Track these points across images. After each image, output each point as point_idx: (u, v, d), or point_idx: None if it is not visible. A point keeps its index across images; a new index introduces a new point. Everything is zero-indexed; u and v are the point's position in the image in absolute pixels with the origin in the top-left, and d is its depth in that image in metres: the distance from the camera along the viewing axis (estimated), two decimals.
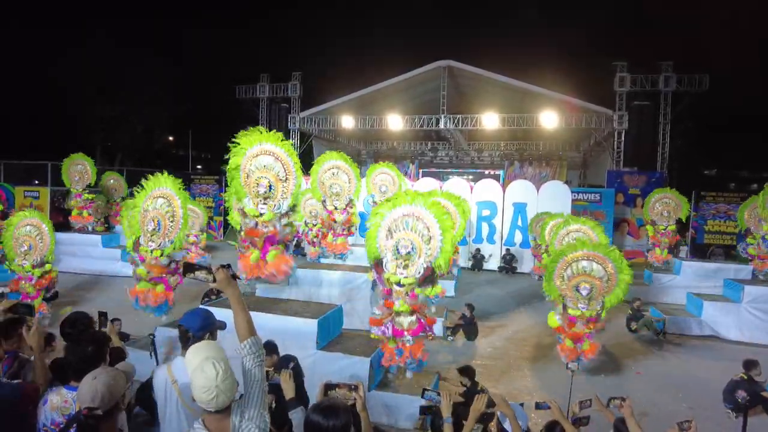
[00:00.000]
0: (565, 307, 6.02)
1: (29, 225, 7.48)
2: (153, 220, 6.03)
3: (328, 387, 2.52)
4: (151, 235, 6.06)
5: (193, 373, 1.87)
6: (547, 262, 6.46)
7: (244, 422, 1.90)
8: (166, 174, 6.27)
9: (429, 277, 4.94)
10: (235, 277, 2.21)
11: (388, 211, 4.96)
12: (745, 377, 5.13)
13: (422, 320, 4.96)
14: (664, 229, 10.65)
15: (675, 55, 23.28)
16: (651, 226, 10.95)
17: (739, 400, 4.90)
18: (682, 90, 17.63)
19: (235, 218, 5.77)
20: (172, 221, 6.11)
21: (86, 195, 12.40)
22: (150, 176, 6.31)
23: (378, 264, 5.05)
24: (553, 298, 6.26)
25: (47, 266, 7.54)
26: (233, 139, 5.37)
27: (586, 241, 6.58)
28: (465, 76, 18.50)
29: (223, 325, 2.78)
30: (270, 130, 5.67)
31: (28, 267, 7.33)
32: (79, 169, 12.37)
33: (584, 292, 5.83)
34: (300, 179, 5.60)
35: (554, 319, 6.13)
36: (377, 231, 4.98)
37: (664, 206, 10.69)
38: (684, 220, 11.02)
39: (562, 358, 6.10)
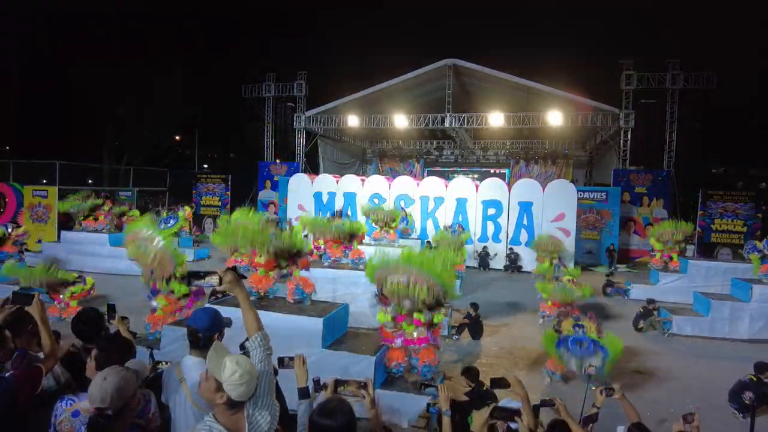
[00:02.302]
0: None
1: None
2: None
3: (339, 383, 2.53)
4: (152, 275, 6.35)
5: (225, 368, 1.93)
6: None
7: (257, 410, 1.99)
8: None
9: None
10: (242, 277, 2.30)
11: (383, 278, 4.97)
12: (755, 379, 5.10)
13: (429, 332, 5.02)
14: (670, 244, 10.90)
15: (682, 52, 23.16)
16: (657, 242, 10.97)
17: (746, 401, 4.87)
18: (690, 88, 17.49)
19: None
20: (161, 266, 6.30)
21: (105, 207, 12.67)
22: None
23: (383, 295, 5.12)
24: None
25: (89, 281, 8.44)
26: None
27: None
28: (470, 74, 18.45)
29: (229, 322, 2.81)
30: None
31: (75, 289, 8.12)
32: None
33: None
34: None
35: (549, 336, 6.19)
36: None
37: (669, 236, 10.88)
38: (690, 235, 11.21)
39: (544, 370, 6.16)
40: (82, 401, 2.28)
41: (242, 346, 2.60)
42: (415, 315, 4.97)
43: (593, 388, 4.83)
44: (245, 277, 2.46)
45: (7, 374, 2.51)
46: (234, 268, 2.35)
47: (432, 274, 4.79)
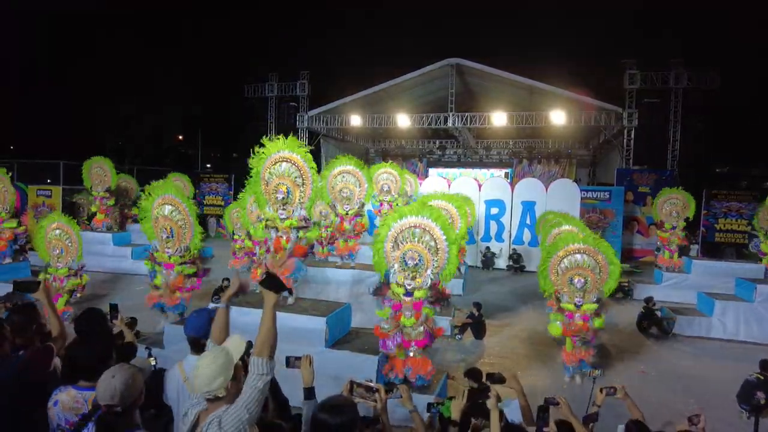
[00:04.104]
0: (558, 300, 6.17)
1: (58, 229, 7.80)
2: (165, 229, 6.24)
3: (353, 384, 2.53)
4: (166, 243, 6.29)
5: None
6: (541, 258, 6.55)
7: (217, 419, 1.86)
8: (169, 179, 6.48)
9: (438, 299, 5.01)
10: (278, 288, 2.19)
11: (394, 222, 4.98)
12: (761, 377, 5.06)
13: (429, 332, 4.98)
14: (672, 228, 10.58)
15: (686, 52, 23.07)
16: (660, 231, 10.87)
17: (761, 401, 4.83)
18: (693, 87, 17.41)
19: (258, 231, 6.03)
20: (183, 228, 6.31)
21: (110, 202, 12.60)
22: (159, 181, 6.53)
23: (385, 283, 5.10)
24: (547, 293, 6.40)
25: (84, 277, 8.08)
26: (256, 148, 5.59)
27: (576, 234, 6.62)
28: (473, 74, 18.41)
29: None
30: (278, 129, 5.84)
31: (63, 271, 7.72)
32: (98, 172, 12.54)
33: (578, 285, 5.96)
34: (316, 184, 5.75)
35: (556, 327, 6.18)
36: (384, 242, 5.01)
37: (672, 206, 10.61)
38: (692, 219, 10.93)
39: (565, 367, 6.16)
40: (63, 392, 2.32)
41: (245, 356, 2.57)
42: (416, 294, 4.90)
43: (592, 372, 4.86)
44: (285, 288, 2.28)
45: (19, 355, 2.60)
46: (269, 274, 2.26)
47: (444, 229, 4.89)
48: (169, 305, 6.36)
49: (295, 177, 5.63)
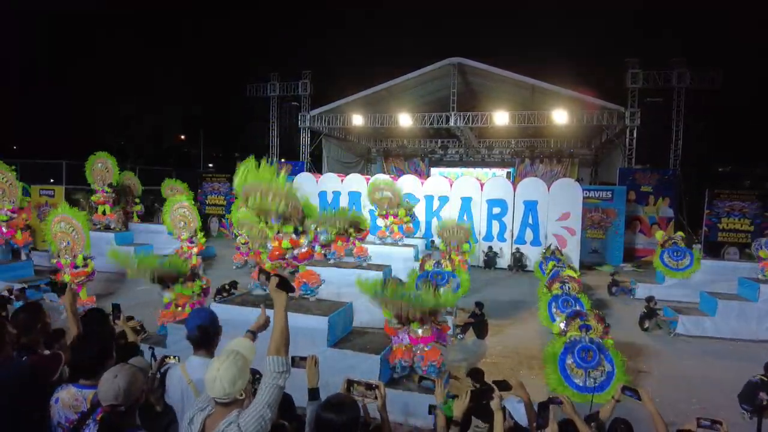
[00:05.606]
0: None
1: (63, 221, 8.01)
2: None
3: (351, 383, 2.53)
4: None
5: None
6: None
7: (234, 423, 1.87)
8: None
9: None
10: (286, 289, 2.27)
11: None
12: (765, 378, 5.05)
13: (436, 329, 5.01)
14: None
15: (688, 51, 23.00)
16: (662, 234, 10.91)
17: (764, 402, 4.82)
18: (696, 86, 17.36)
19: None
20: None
21: (107, 189, 12.62)
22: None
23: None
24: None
25: (91, 264, 8.34)
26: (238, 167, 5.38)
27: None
28: (475, 73, 18.38)
29: (219, 330, 2.81)
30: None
31: (79, 259, 8.10)
32: (100, 168, 12.60)
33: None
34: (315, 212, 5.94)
35: (557, 327, 6.24)
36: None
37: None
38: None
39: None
40: (64, 390, 2.33)
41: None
42: (413, 326, 4.97)
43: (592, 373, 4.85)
44: (293, 289, 2.36)
45: (23, 358, 2.59)
46: (277, 275, 2.30)
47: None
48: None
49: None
